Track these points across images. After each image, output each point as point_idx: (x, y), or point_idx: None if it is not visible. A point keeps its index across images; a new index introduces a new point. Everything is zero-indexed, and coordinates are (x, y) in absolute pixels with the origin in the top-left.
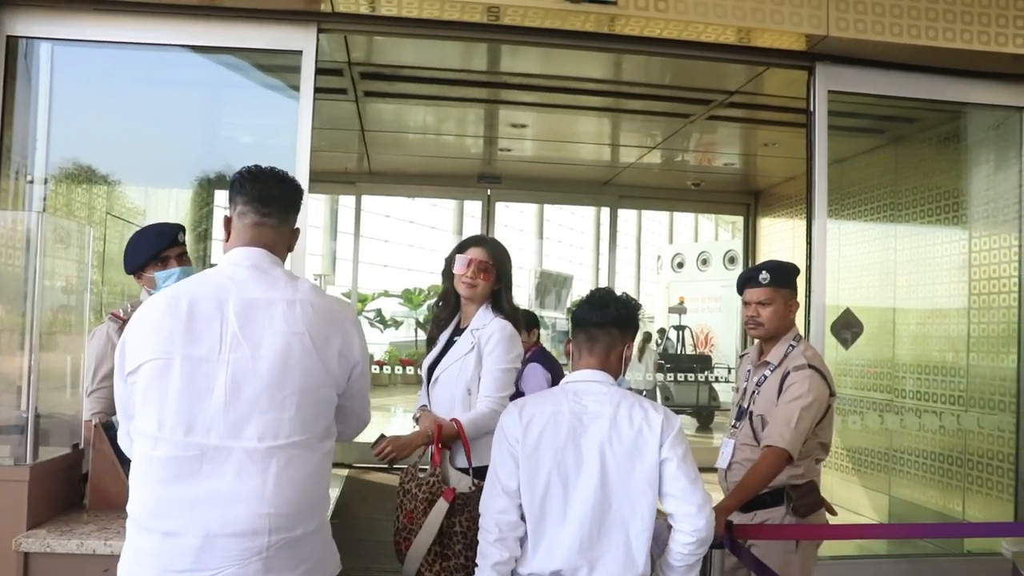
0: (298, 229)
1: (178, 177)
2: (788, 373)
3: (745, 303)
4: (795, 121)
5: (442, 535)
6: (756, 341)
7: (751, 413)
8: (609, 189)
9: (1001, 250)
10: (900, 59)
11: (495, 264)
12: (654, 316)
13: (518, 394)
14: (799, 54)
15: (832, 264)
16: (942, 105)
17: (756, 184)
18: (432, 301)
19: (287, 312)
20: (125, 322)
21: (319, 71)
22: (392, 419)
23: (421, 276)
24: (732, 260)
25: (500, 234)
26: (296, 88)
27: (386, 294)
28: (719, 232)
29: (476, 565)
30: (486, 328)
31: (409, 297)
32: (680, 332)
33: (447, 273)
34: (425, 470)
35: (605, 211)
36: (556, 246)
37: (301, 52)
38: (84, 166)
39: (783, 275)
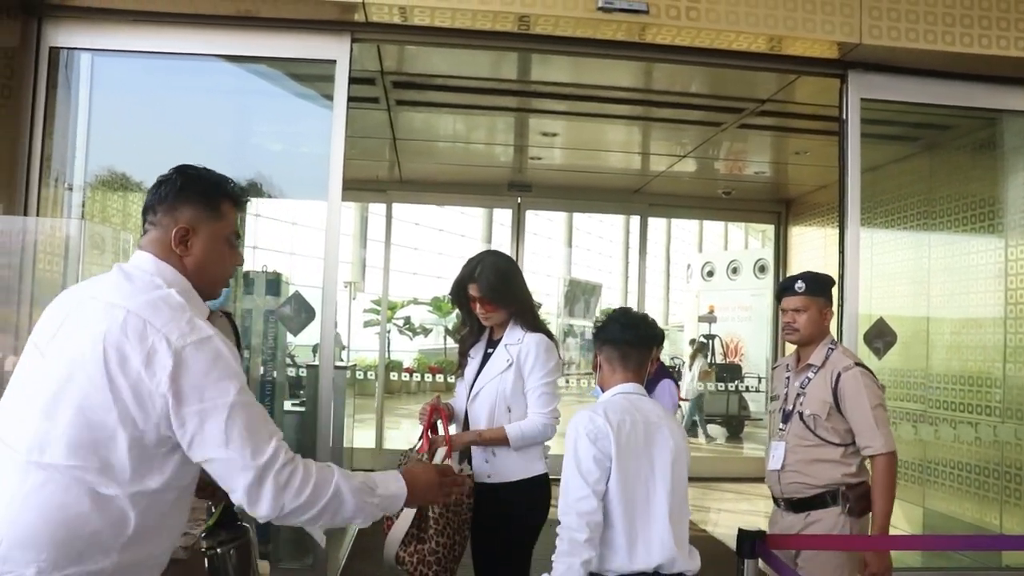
0: (185, 228)
1: None
2: (839, 375)
3: (782, 310)
4: (827, 129)
5: (419, 519)
6: (793, 349)
7: (801, 414)
8: (639, 197)
9: None
10: (934, 66)
11: (497, 292)
12: (683, 325)
13: None
14: (831, 62)
15: (865, 273)
16: (977, 112)
17: (787, 192)
18: None
19: (100, 316)
20: None
21: (352, 80)
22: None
23: (450, 284)
24: (762, 269)
25: (529, 242)
26: (329, 97)
27: (415, 302)
28: (749, 241)
29: (554, 564)
30: (523, 344)
31: (438, 305)
32: (710, 341)
33: (457, 300)
34: (410, 453)
35: (635, 219)
36: (585, 254)
37: (335, 61)
38: (120, 174)
39: (818, 284)
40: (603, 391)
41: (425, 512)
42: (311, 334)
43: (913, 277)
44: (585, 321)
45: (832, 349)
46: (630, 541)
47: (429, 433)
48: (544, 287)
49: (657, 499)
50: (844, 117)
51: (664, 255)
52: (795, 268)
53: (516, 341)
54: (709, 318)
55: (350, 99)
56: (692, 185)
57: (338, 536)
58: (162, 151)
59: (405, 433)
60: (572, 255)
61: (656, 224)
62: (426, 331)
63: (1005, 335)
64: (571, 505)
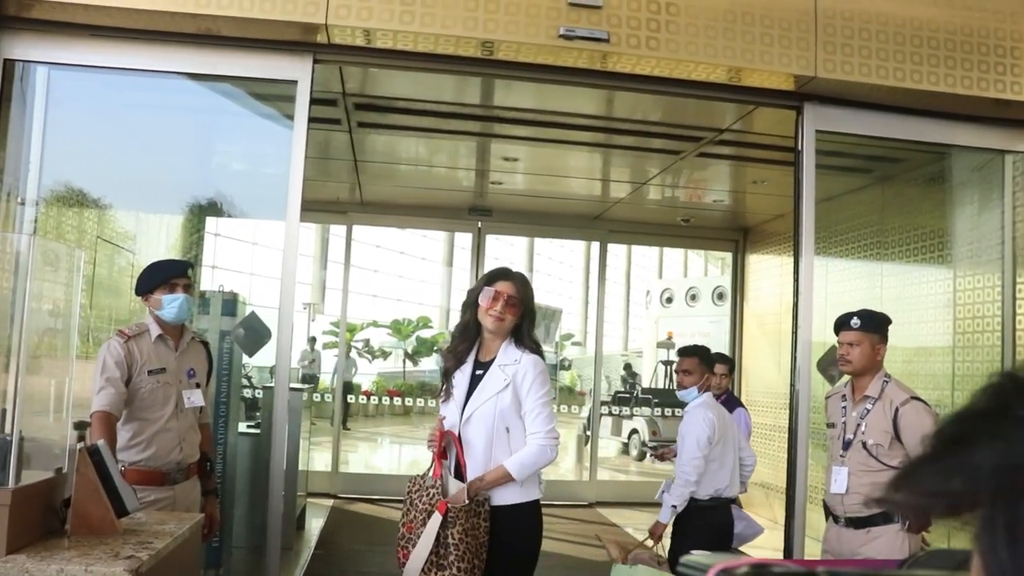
0: None
1: (170, 203)
2: (897, 408)
3: (839, 343)
4: (784, 159)
5: (438, 545)
6: (847, 380)
7: (864, 443)
8: (599, 224)
9: (985, 289)
10: (886, 101)
11: (522, 299)
12: (642, 351)
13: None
14: (788, 94)
15: (819, 301)
16: (927, 146)
17: (745, 221)
18: (420, 332)
19: None
20: (130, 338)
21: (313, 101)
22: (379, 450)
23: (410, 307)
24: (721, 296)
25: (490, 266)
26: (290, 117)
27: (375, 324)
28: (708, 268)
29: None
30: (520, 364)
31: (398, 328)
32: (668, 367)
33: (469, 304)
34: (427, 479)
35: (595, 245)
36: (546, 279)
37: (296, 82)
38: (76, 189)
39: (873, 322)
40: (691, 394)
41: (445, 539)
42: (268, 355)
43: (866, 306)
44: (546, 346)
45: (887, 382)
46: (718, 478)
47: (441, 458)
48: None
49: (728, 456)
50: (800, 148)
51: (624, 281)
52: (752, 296)
53: (512, 362)
54: (668, 344)
55: (311, 120)
56: (652, 212)
57: (293, 561)
58: (120, 168)
59: (362, 456)
60: (533, 280)
61: (616, 250)
62: (385, 354)
63: (953, 364)
64: (688, 462)
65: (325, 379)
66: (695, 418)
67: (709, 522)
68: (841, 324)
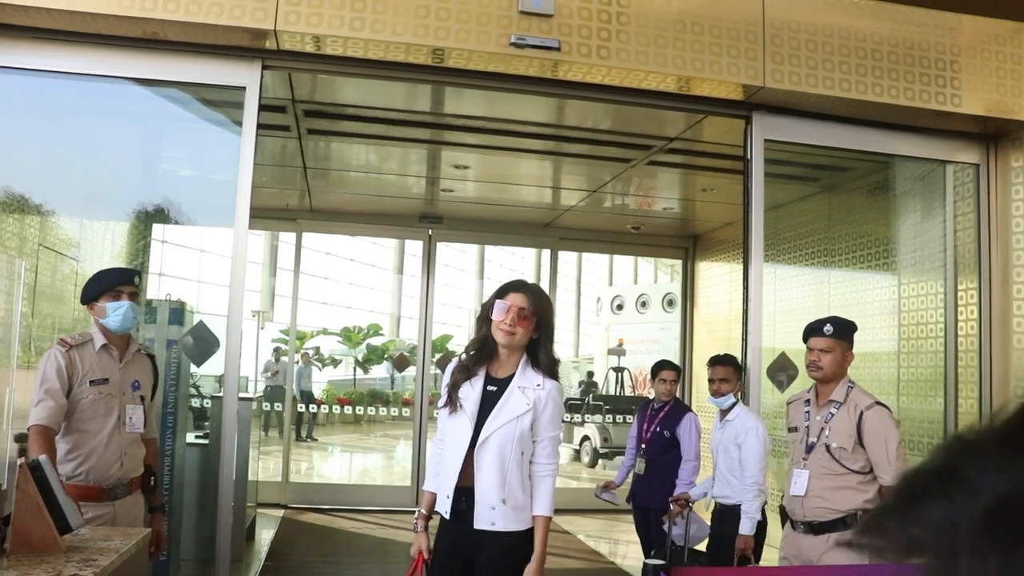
0: None
1: (115, 209)
2: (861, 412)
3: (809, 349)
4: (733, 168)
5: None
6: (811, 386)
7: (827, 446)
8: (550, 231)
9: (928, 296)
10: (833, 111)
11: (535, 312)
12: (593, 357)
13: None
14: (737, 103)
15: (768, 307)
16: (872, 156)
17: (695, 228)
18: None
19: None
20: (72, 348)
21: (262, 107)
22: (330, 459)
23: (360, 314)
24: (671, 303)
25: (440, 273)
26: (238, 123)
27: (325, 332)
28: (658, 275)
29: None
30: (543, 390)
31: (348, 335)
32: (619, 374)
33: (483, 319)
34: None
35: (546, 252)
36: (496, 286)
37: (244, 88)
38: (17, 196)
39: (844, 329)
40: (728, 400)
41: None
42: (217, 364)
43: (814, 312)
44: None
45: (851, 387)
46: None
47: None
48: (455, 318)
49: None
50: (748, 157)
51: (575, 288)
52: (702, 302)
53: (535, 386)
54: (618, 351)
55: (260, 126)
56: (602, 220)
57: (243, 572)
58: (64, 174)
59: (313, 465)
60: (484, 287)
61: (567, 257)
62: (335, 362)
63: (898, 369)
64: (758, 472)
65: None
66: (753, 426)
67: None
68: (813, 330)
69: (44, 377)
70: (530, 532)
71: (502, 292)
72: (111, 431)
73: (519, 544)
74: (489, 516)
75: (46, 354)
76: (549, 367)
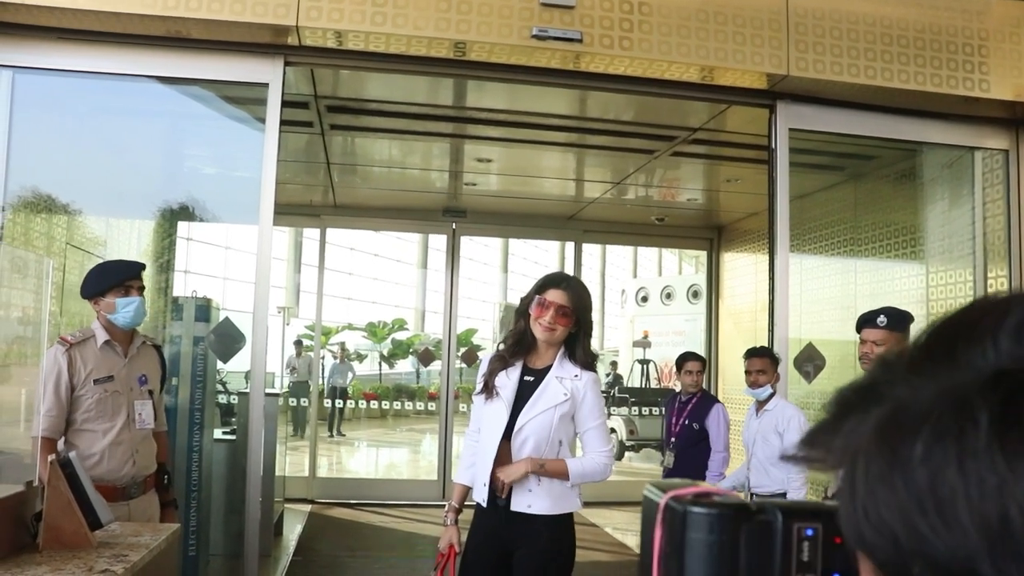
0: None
1: (141, 208)
2: None
3: (862, 341)
4: (757, 158)
5: None
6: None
7: None
8: (573, 224)
9: (957, 285)
10: (858, 99)
11: (575, 310)
12: (619, 350)
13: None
14: (761, 92)
15: (795, 298)
16: (899, 144)
17: (719, 219)
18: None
19: None
20: (72, 346)
21: (285, 104)
22: (356, 453)
23: (385, 309)
24: (696, 294)
25: (464, 267)
26: (262, 120)
27: (350, 327)
28: (683, 266)
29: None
30: (580, 380)
31: (373, 330)
32: (644, 366)
33: (521, 312)
34: None
35: (570, 245)
36: (521, 279)
37: (267, 85)
38: (44, 195)
39: (898, 320)
40: (765, 391)
41: None
42: (243, 360)
43: (841, 302)
44: None
45: None
46: None
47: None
48: (480, 312)
49: None
50: (773, 146)
51: (599, 280)
52: (727, 293)
53: (572, 376)
54: (644, 343)
55: (283, 123)
56: (626, 212)
57: (272, 567)
58: (90, 173)
59: (340, 460)
60: (508, 280)
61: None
62: (361, 357)
63: None
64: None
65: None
66: (795, 415)
67: None
68: (866, 321)
69: (46, 382)
70: (569, 518)
71: (542, 287)
72: (121, 429)
73: (559, 530)
74: (526, 499)
75: (47, 353)
76: (585, 360)
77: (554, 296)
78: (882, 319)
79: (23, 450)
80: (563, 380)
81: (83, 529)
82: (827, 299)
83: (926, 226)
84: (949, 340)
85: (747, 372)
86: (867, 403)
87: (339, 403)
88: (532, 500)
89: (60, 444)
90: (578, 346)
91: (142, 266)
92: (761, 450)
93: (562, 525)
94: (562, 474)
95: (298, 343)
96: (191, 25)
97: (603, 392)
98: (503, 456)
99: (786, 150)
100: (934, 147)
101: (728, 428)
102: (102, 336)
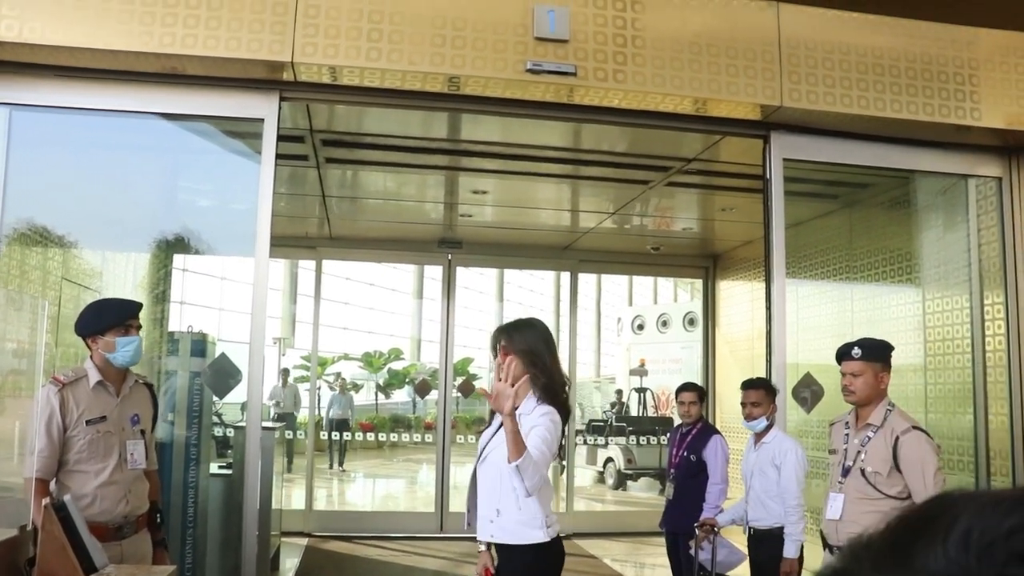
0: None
1: (137, 240)
2: (897, 437)
3: (842, 373)
4: (752, 187)
5: None
6: (851, 409)
7: (863, 470)
8: (569, 254)
9: (954, 311)
10: (851, 128)
11: (512, 343)
12: (615, 377)
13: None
14: (754, 123)
15: (791, 325)
16: (892, 172)
17: (714, 248)
18: (392, 364)
19: None
20: (65, 386)
21: (281, 138)
22: (352, 485)
23: (381, 339)
24: (692, 322)
25: (460, 296)
26: (257, 153)
27: (346, 357)
28: (678, 293)
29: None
30: (532, 415)
31: (369, 360)
32: (641, 394)
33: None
34: None
35: (565, 275)
36: (517, 308)
37: (263, 120)
38: (39, 229)
39: (874, 351)
40: (760, 424)
41: None
42: (240, 392)
43: (838, 329)
44: None
45: (890, 411)
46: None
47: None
48: (476, 341)
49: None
50: (768, 176)
51: (595, 308)
52: (724, 321)
53: (528, 411)
54: (640, 371)
55: (279, 156)
56: (622, 241)
57: None
58: (86, 207)
59: (338, 493)
60: (504, 309)
61: (586, 278)
62: (357, 387)
63: (925, 385)
64: (799, 493)
65: (304, 414)
66: (792, 448)
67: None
68: (842, 354)
69: (42, 418)
70: (536, 550)
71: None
72: (113, 470)
73: (522, 561)
74: (488, 529)
75: (41, 393)
76: (544, 396)
77: (501, 348)
78: (856, 351)
79: (15, 483)
80: (523, 416)
81: (77, 573)
82: (824, 326)
83: (921, 253)
84: (909, 540)
85: (742, 404)
86: None
87: (342, 435)
88: (494, 531)
89: (52, 485)
90: (536, 386)
91: (140, 305)
92: (759, 483)
93: (527, 555)
94: (521, 448)
95: (285, 372)
96: (187, 62)
97: (600, 422)
98: (474, 486)
99: (781, 180)
100: (928, 175)
101: (727, 460)
102: (95, 376)
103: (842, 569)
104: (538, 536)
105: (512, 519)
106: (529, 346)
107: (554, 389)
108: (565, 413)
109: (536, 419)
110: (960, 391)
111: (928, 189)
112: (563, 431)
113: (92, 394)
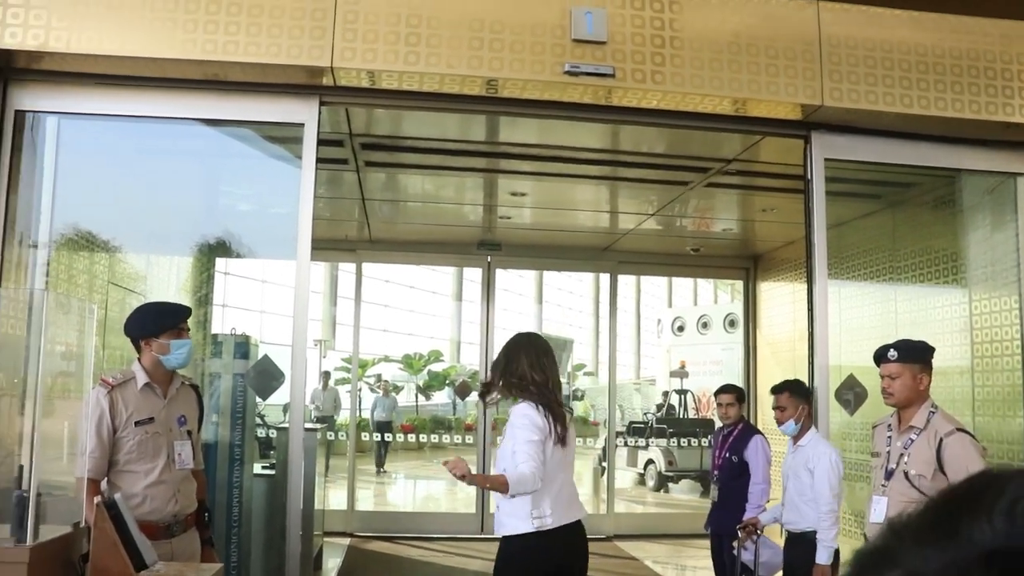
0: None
1: (180, 245)
2: (942, 439)
3: (880, 375)
4: (793, 187)
5: None
6: (893, 411)
7: (906, 473)
8: (608, 255)
9: (1002, 312)
10: (894, 127)
11: (493, 368)
12: (655, 379)
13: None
14: (795, 123)
15: (833, 327)
16: (937, 171)
17: (755, 248)
18: (432, 366)
19: None
20: (113, 388)
21: (321, 142)
22: (393, 486)
23: (421, 341)
24: (732, 323)
25: (500, 299)
26: (298, 157)
27: (386, 359)
28: (718, 295)
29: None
30: (510, 419)
31: (409, 362)
32: (682, 396)
33: None
34: None
35: (605, 276)
36: (556, 310)
37: (303, 124)
38: (86, 235)
39: (911, 352)
40: (791, 426)
41: None
42: (282, 394)
43: (881, 331)
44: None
45: (933, 412)
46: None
47: None
48: None
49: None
50: (809, 176)
51: (635, 310)
52: (765, 323)
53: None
54: (681, 373)
55: (319, 160)
56: (661, 242)
57: None
58: (131, 212)
59: (379, 494)
60: (543, 311)
61: (626, 280)
62: (397, 389)
63: (972, 387)
64: (832, 499)
65: (344, 416)
66: (826, 452)
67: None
68: (879, 357)
69: (92, 419)
70: (513, 541)
71: None
72: (163, 470)
73: (502, 550)
74: (496, 520)
75: (91, 394)
76: (517, 393)
77: None
78: (893, 353)
79: (67, 482)
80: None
81: (128, 570)
82: (868, 327)
83: (968, 253)
84: (953, 514)
85: (773, 408)
86: (881, 568)
87: (383, 436)
88: (495, 524)
89: (103, 484)
90: (508, 388)
91: (191, 309)
92: (793, 486)
93: (510, 545)
94: (501, 485)
95: (326, 375)
96: (228, 68)
97: (640, 424)
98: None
99: (822, 180)
100: (975, 173)
101: (768, 460)
102: (142, 378)
103: (883, 547)
104: (520, 527)
105: (503, 510)
106: (498, 359)
107: (522, 385)
108: (540, 398)
109: (512, 421)
110: (1009, 393)
111: (974, 188)
112: (542, 411)
113: (140, 396)
